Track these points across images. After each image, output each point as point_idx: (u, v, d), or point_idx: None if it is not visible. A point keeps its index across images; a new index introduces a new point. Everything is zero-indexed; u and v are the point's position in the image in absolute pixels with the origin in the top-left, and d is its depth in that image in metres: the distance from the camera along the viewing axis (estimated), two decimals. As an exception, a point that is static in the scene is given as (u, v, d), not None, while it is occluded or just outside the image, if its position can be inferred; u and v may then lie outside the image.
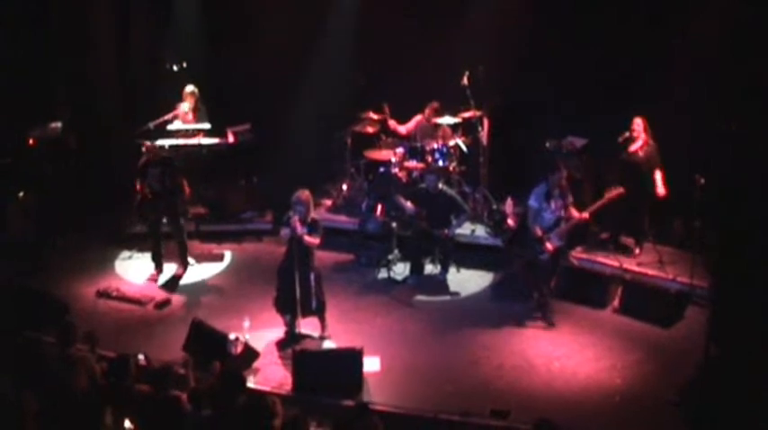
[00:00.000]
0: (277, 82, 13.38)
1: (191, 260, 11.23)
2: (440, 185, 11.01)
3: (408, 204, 11.02)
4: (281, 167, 12.78)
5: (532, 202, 9.94)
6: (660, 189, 10.66)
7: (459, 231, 11.31)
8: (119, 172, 12.31)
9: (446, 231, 10.90)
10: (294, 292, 9.09)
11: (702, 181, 9.58)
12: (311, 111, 13.52)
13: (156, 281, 10.93)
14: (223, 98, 13.14)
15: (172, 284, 10.88)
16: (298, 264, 9.04)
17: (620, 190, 9.83)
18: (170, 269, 11.13)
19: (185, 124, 12.27)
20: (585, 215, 9.81)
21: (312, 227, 9.17)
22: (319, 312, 9.47)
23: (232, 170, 12.83)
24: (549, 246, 9.82)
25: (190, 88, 12.38)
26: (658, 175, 10.69)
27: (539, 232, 9.85)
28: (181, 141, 12.12)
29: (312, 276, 9.22)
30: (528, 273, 10.40)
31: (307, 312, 9.33)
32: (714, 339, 8.43)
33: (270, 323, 9.66)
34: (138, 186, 10.70)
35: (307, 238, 9.07)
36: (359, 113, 12.72)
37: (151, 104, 12.50)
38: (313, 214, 9.28)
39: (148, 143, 10.93)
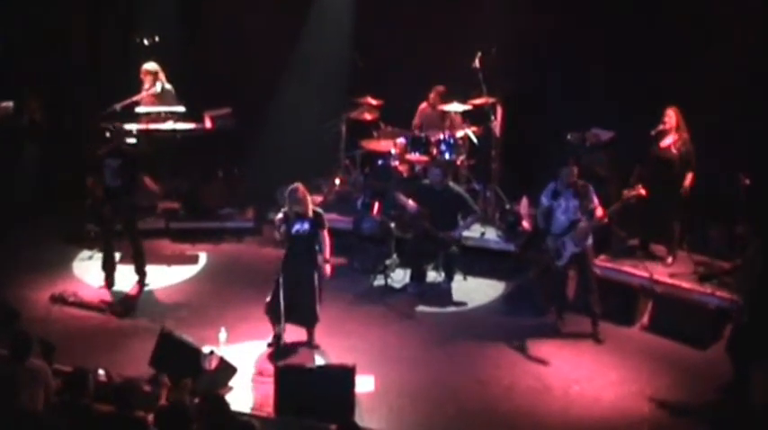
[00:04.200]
0: (263, 61, 13.39)
1: (147, 270, 11.05)
2: (446, 181, 10.96)
3: (410, 202, 10.97)
4: (266, 158, 12.83)
5: (542, 199, 10.00)
6: (686, 190, 10.57)
7: (466, 234, 11.32)
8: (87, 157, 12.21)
9: (452, 233, 10.85)
10: (286, 297, 9.06)
11: (747, 181, 9.45)
12: (301, 94, 13.54)
13: (107, 288, 10.83)
14: (201, 78, 13.13)
15: (129, 301, 10.71)
16: (298, 265, 9.09)
17: (640, 190, 9.73)
18: (128, 276, 11.03)
19: (150, 106, 12.25)
20: (601, 214, 9.69)
21: (316, 221, 9.27)
22: (318, 320, 9.50)
23: (209, 160, 12.82)
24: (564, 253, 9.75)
25: (149, 65, 12.31)
26: (689, 176, 10.60)
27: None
28: (151, 126, 12.10)
29: (315, 278, 9.28)
30: (544, 283, 10.38)
31: (310, 322, 9.40)
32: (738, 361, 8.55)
33: (250, 334, 9.63)
34: (89, 182, 10.58)
35: (330, 268, 9.29)
36: (355, 98, 12.70)
37: (123, 82, 12.50)
38: (315, 206, 9.39)
39: (115, 125, 10.84)
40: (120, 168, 10.43)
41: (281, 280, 9.19)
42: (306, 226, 9.12)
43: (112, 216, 10.64)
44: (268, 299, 9.31)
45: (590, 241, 9.85)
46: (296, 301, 9.13)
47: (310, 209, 9.20)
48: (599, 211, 9.72)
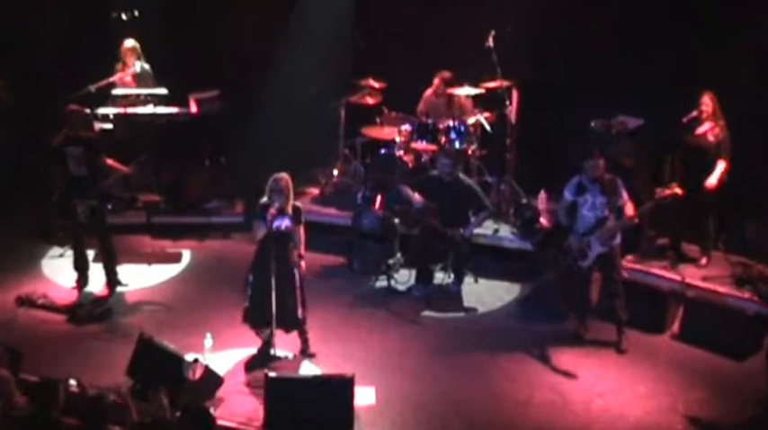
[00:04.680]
0: (255, 38, 13.42)
1: (120, 269, 10.99)
2: (456, 173, 10.94)
3: (416, 196, 10.96)
4: (256, 146, 12.86)
5: (565, 193, 9.95)
6: (712, 179, 10.54)
7: (477, 231, 11.30)
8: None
9: (462, 230, 10.82)
10: (270, 300, 9.02)
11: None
12: (296, 76, 13.56)
13: (79, 289, 10.82)
14: (185, 57, 13.14)
15: (96, 304, 10.63)
16: (277, 264, 9.01)
17: (675, 189, 9.65)
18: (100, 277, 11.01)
19: (126, 88, 12.28)
20: (631, 214, 9.66)
21: (295, 216, 9.19)
22: (301, 325, 9.43)
23: (194, 148, 12.81)
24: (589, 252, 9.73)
25: (129, 43, 12.35)
26: (721, 165, 10.59)
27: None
28: (130, 110, 12.12)
29: (297, 275, 9.23)
30: (564, 285, 10.39)
31: (290, 324, 9.33)
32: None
33: (237, 341, 9.62)
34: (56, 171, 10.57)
35: (303, 264, 9.20)
36: (356, 80, 12.71)
37: (98, 61, 12.53)
38: (295, 201, 9.28)
39: (74, 107, 10.73)
40: (82, 156, 10.38)
41: (251, 279, 9.23)
42: (287, 221, 9.09)
43: (80, 208, 10.58)
44: (246, 303, 9.30)
45: (618, 240, 9.81)
46: (271, 304, 9.06)
47: (290, 202, 9.15)
48: (629, 209, 9.66)
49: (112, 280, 10.85)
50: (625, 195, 9.70)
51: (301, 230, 9.28)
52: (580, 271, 9.91)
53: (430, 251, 11.05)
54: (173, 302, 10.75)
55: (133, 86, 12.34)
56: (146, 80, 12.39)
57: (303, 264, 9.28)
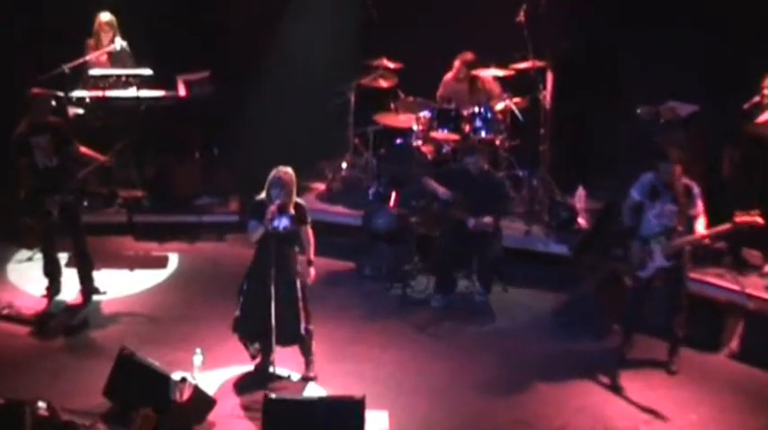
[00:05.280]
0: (252, 12, 13.48)
1: (97, 274, 11.01)
2: (485, 165, 10.96)
3: (441, 188, 10.95)
4: (254, 134, 12.89)
5: (633, 192, 9.83)
6: None
7: (506, 233, 11.36)
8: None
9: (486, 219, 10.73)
10: (268, 311, 8.99)
11: None
12: (300, 55, 13.62)
13: (49, 298, 10.82)
14: (172, 33, 13.18)
15: (67, 314, 10.63)
16: (277, 270, 8.97)
17: (757, 218, 9.49)
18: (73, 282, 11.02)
19: (100, 68, 12.31)
20: (703, 233, 9.59)
21: (298, 216, 9.16)
22: (304, 341, 9.38)
23: (182, 136, 12.84)
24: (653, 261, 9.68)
25: (105, 16, 12.37)
26: None
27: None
28: (108, 93, 12.13)
29: (298, 285, 9.19)
30: (606, 296, 10.40)
31: (289, 340, 9.28)
32: None
33: (231, 357, 9.62)
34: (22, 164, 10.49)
35: (313, 271, 9.20)
36: (368, 60, 12.74)
37: (72, 37, 12.53)
38: (297, 198, 9.27)
39: (37, 90, 10.68)
40: (50, 145, 10.37)
41: (245, 286, 9.23)
42: (286, 221, 9.05)
43: (51, 205, 10.55)
44: (236, 313, 9.30)
45: (686, 249, 9.77)
46: (268, 315, 9.02)
47: (293, 199, 9.13)
48: (700, 225, 9.57)
49: (88, 287, 10.86)
50: (700, 206, 9.62)
51: (309, 231, 9.28)
52: (636, 281, 9.87)
53: (453, 254, 11.03)
54: (158, 313, 10.72)
55: (108, 66, 12.36)
56: (123, 60, 12.43)
57: (312, 271, 9.27)
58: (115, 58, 12.40)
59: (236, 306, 9.32)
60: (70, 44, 12.29)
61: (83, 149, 10.56)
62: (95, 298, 10.85)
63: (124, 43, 12.34)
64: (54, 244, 10.84)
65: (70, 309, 10.66)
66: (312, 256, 9.29)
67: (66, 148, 10.44)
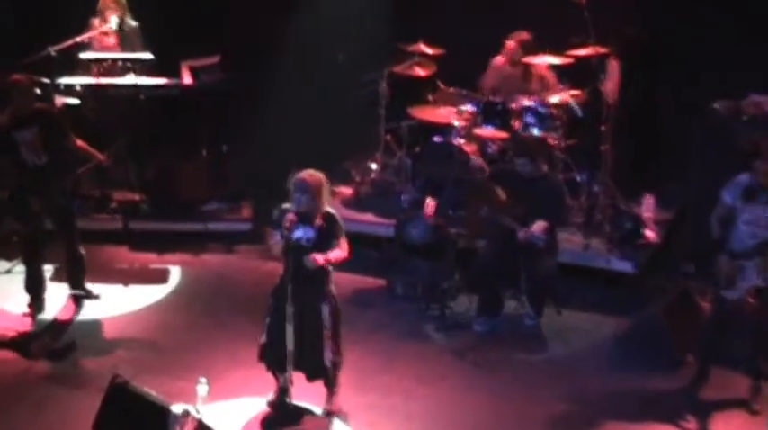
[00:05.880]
0: None
1: (93, 288, 11.13)
2: (542, 168, 10.89)
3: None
4: (269, 130, 12.97)
5: (725, 195, 9.77)
6: None
7: (561, 246, 11.29)
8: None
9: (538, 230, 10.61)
10: (295, 338, 8.96)
11: None
12: (322, 38, 13.71)
13: (31, 317, 10.84)
14: (178, 14, 13.31)
15: (55, 329, 10.71)
16: (300, 290, 8.91)
17: None
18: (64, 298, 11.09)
19: (106, 52, 12.41)
20: None
21: (327, 229, 9.07)
22: (328, 374, 9.33)
23: (187, 131, 12.95)
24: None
25: None
26: None
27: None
28: (103, 80, 12.22)
29: (326, 310, 9.11)
30: (677, 320, 10.34)
31: (312, 373, 9.23)
32: None
33: (241, 387, 9.61)
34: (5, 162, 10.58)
35: (323, 259, 8.94)
36: (402, 44, 12.78)
37: (64, 16, 12.67)
38: (328, 207, 9.18)
39: (18, 76, 10.70)
40: (38, 139, 10.40)
41: (271, 307, 9.13)
42: (310, 232, 8.99)
43: (40, 208, 10.64)
44: (262, 339, 9.23)
45: None
46: (296, 343, 8.99)
47: (322, 208, 9.06)
48: None
49: (79, 296, 10.92)
50: None
51: (343, 246, 9.09)
52: (720, 303, 9.76)
53: (499, 271, 10.98)
54: (156, 336, 10.73)
55: (117, 50, 12.51)
56: (132, 42, 12.59)
57: (319, 258, 8.99)
58: (124, 40, 12.54)
59: (263, 330, 9.25)
60: (75, 25, 12.38)
61: (80, 143, 10.61)
62: (86, 317, 10.87)
63: (134, 23, 12.51)
64: (38, 254, 10.86)
65: (56, 329, 10.66)
66: (331, 257, 9.05)
67: (60, 142, 10.46)
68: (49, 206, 10.70)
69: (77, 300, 10.94)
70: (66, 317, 10.83)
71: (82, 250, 10.97)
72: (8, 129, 10.35)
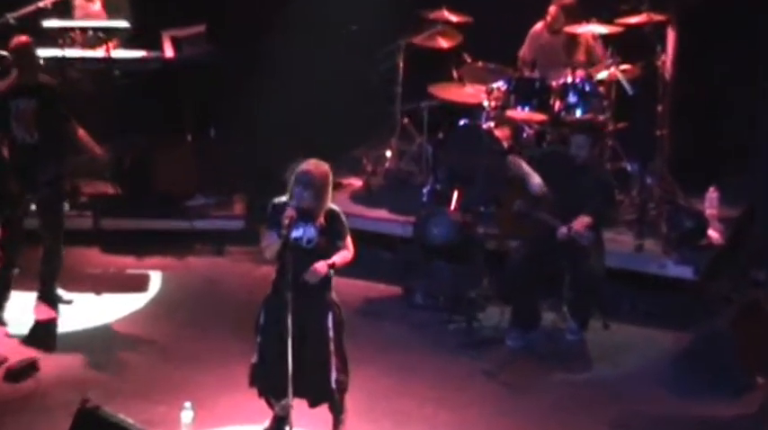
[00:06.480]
0: None
1: (64, 293, 11.22)
2: (594, 155, 11.06)
3: (534, 176, 10.71)
4: (265, 111, 12.94)
5: None
6: None
7: (608, 248, 11.19)
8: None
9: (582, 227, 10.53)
10: (291, 357, 8.82)
11: None
12: (327, 4, 13.71)
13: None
14: None
15: (42, 333, 10.78)
16: (299, 300, 8.76)
17: None
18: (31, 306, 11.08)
19: (83, 20, 12.54)
20: None
21: (330, 229, 9.00)
22: (334, 397, 9.25)
23: (169, 112, 13.00)
24: None
25: None
26: None
27: None
28: (72, 53, 12.31)
29: (330, 321, 8.97)
30: (746, 335, 10.29)
31: (317, 397, 9.16)
32: None
33: (233, 413, 9.57)
34: None
35: (327, 264, 8.89)
36: (422, 11, 12.83)
37: None
38: (331, 204, 9.13)
39: (24, 38, 10.75)
40: (32, 114, 10.46)
41: (262, 320, 9.05)
42: (311, 232, 8.91)
43: (21, 193, 10.76)
44: (254, 359, 9.15)
45: None
46: (295, 362, 8.86)
47: (326, 206, 9.00)
48: None
49: (50, 296, 10.92)
50: None
51: (349, 247, 9.05)
52: None
53: (535, 277, 10.90)
54: (133, 352, 10.74)
55: (103, 17, 12.69)
56: (119, 8, 12.74)
57: (323, 266, 8.93)
58: (111, 7, 12.71)
59: (254, 348, 9.16)
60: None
61: (81, 133, 10.68)
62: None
63: None
64: (11, 252, 10.89)
65: (22, 344, 10.65)
66: (336, 260, 8.98)
67: (56, 124, 10.55)
68: (32, 192, 10.73)
69: (51, 305, 10.90)
70: (47, 315, 10.83)
71: (62, 253, 10.96)
72: (4, 97, 10.45)
